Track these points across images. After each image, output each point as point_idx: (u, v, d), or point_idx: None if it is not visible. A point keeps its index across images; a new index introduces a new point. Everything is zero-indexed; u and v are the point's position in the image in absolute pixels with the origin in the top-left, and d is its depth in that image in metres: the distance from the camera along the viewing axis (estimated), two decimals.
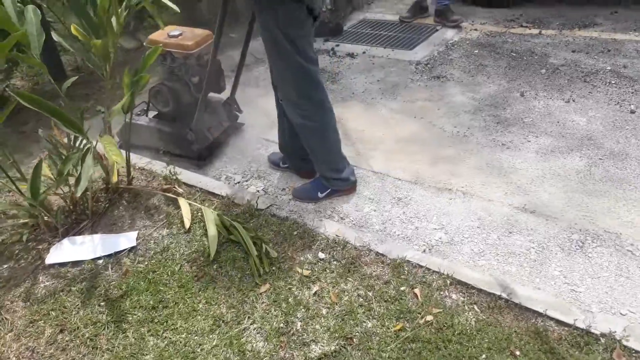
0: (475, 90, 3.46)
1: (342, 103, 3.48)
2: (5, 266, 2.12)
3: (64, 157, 2.03)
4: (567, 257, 2.10)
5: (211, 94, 2.88)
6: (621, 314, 1.82)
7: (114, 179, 1.79)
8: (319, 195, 2.51)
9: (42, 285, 2.01)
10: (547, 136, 2.89)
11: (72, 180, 2.16)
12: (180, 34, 2.59)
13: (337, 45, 4.42)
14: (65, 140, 2.21)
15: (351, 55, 4.21)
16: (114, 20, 2.18)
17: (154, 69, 2.77)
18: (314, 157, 2.45)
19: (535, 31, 4.28)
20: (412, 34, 4.49)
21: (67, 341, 1.78)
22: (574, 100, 3.20)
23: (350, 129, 3.17)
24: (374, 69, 3.95)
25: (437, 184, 2.61)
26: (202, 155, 2.85)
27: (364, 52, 4.24)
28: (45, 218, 2.17)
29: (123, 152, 2.37)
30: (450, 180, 2.62)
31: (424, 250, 2.21)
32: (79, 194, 1.84)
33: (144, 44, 2.69)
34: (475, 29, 4.46)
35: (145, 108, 2.91)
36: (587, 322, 1.68)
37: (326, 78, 3.86)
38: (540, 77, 3.53)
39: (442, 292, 1.85)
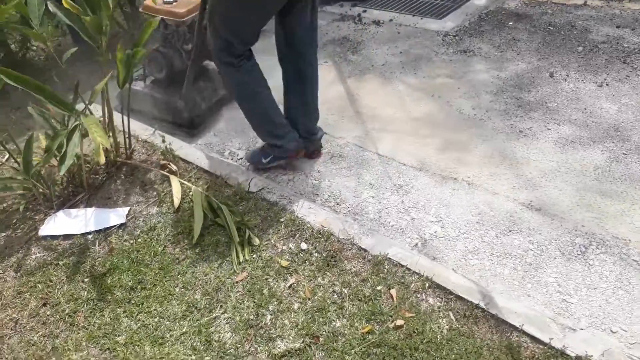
0: (502, 67, 3.25)
1: (359, 76, 3.35)
2: (2, 234, 2.19)
3: (55, 131, 2.04)
4: (566, 263, 1.97)
5: (208, 62, 2.86)
6: (611, 331, 1.71)
7: (101, 160, 1.79)
8: (263, 160, 2.48)
9: (33, 256, 2.08)
10: (570, 124, 2.69)
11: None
12: (175, 1, 2.54)
13: (364, 11, 4.23)
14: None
15: (377, 23, 4.02)
16: None
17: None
18: (248, 119, 2.39)
19: (579, 1, 3.94)
20: (445, 1, 4.23)
21: (48, 315, 1.84)
22: (607, 84, 2.95)
23: (363, 106, 3.05)
24: (398, 39, 3.77)
25: (443, 171, 2.49)
26: (194, 124, 2.84)
27: (390, 20, 4.04)
28: (41, 190, 2.21)
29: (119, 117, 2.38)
30: (457, 169, 2.50)
31: (416, 244, 2.13)
32: (61, 173, 1.85)
33: (140, 9, 2.66)
34: None
35: (143, 73, 2.92)
36: (565, 341, 1.58)
37: (347, 48, 3.71)
38: (576, 56, 3.27)
39: (419, 295, 1.78)
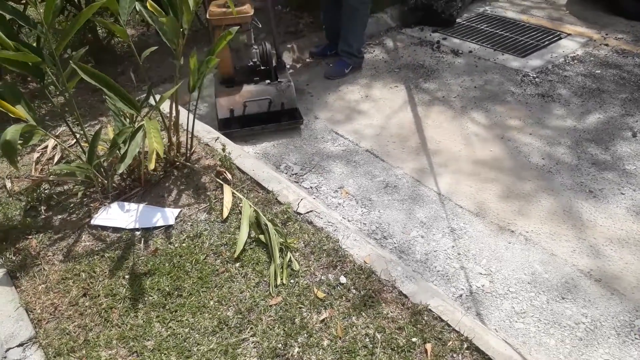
0: (581, 118, 3.07)
1: (427, 106, 3.26)
2: (59, 217, 2.27)
3: (121, 128, 2.09)
4: (620, 346, 1.82)
5: None
6: None
7: (151, 165, 1.81)
8: (346, 71, 3.55)
9: (82, 244, 2.14)
10: None
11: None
12: (225, 4, 2.80)
13: (444, 39, 4.13)
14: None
15: (455, 53, 3.91)
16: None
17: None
18: (353, 39, 3.46)
19: None
20: (530, 39, 4.06)
21: (86, 306, 1.89)
22: None
23: (427, 138, 2.97)
24: (475, 72, 3.65)
25: (501, 221, 2.38)
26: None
27: (470, 51, 3.92)
28: (100, 179, 2.28)
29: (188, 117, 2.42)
30: (516, 221, 2.37)
31: (460, 295, 2.04)
32: (120, 171, 1.89)
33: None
34: (607, 44, 3.93)
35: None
36: None
37: (420, 75, 3.63)
38: None
39: (455, 355, 1.69)
